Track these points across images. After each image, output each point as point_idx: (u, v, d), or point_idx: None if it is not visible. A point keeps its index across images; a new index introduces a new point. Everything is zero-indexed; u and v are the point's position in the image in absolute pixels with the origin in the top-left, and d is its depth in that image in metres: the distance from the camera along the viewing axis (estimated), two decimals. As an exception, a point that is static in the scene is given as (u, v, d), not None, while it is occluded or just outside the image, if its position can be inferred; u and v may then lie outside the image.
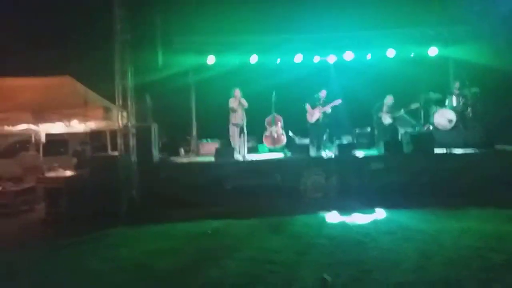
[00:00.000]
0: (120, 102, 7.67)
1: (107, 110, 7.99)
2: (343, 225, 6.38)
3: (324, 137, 10.14)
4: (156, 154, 8.22)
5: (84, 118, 7.88)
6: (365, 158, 8.71)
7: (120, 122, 7.68)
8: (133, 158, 7.60)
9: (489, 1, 10.05)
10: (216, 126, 10.29)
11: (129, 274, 4.77)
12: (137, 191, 7.48)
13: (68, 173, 8.06)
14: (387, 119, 10.24)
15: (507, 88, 9.84)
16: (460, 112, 9.98)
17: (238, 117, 9.22)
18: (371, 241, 5.52)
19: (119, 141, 7.58)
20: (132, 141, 7.64)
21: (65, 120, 8.51)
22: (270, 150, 10.39)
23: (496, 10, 9.86)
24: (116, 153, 7.47)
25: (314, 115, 9.77)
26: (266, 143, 10.52)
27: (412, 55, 10.98)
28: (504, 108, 9.79)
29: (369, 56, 11.07)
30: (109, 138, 8.76)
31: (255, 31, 9.80)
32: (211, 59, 10.31)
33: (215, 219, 6.80)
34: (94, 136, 9.17)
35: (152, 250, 5.55)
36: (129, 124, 7.60)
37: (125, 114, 7.69)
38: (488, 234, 5.63)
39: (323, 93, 9.88)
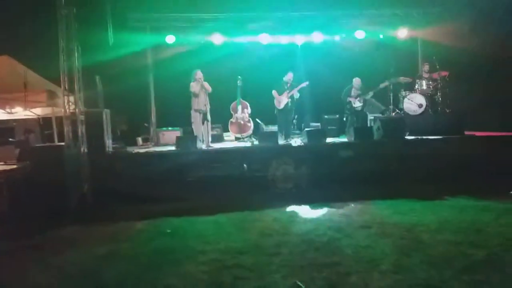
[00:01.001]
0: (66, 85, 6.82)
1: (51, 94, 7.17)
2: (314, 219, 5.93)
3: (293, 124, 9.71)
4: (109, 143, 7.44)
5: (25, 103, 6.99)
6: (335, 145, 8.35)
7: (66, 107, 6.84)
8: (83, 148, 6.81)
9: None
10: (177, 112, 9.58)
11: (76, 284, 4.12)
12: (88, 186, 6.71)
13: (10, 166, 7.14)
14: (356, 103, 9.92)
15: (475, 72, 9.78)
16: (429, 97, 9.79)
17: (201, 102, 8.51)
18: (345, 238, 5.09)
19: (66, 129, 6.78)
20: (81, 129, 6.84)
21: (6, 106, 7.60)
22: (237, 138, 9.83)
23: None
24: (62, 143, 6.64)
25: (282, 101, 9.32)
26: (232, 131, 9.95)
27: (381, 37, 10.66)
28: (472, 92, 9.73)
29: (337, 38, 10.68)
30: (55, 126, 7.88)
31: (219, 8, 9.08)
32: (170, 38, 9.53)
33: (175, 217, 6.16)
34: (41, 123, 8.23)
35: (103, 254, 4.87)
36: (77, 110, 6.77)
37: (72, 98, 6.86)
38: (465, 226, 5.35)
39: (289, 76, 9.44)
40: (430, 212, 5.99)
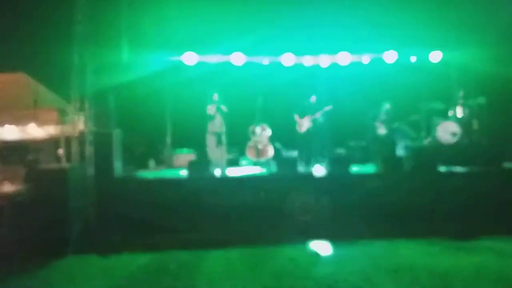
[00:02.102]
0: (77, 104, 6.53)
1: (63, 113, 6.91)
2: (335, 261, 5.31)
3: (315, 150, 9.16)
4: (119, 166, 7.06)
5: (35, 121, 6.74)
6: (361, 175, 7.72)
7: (76, 127, 6.53)
8: (90, 171, 6.43)
9: (493, 7, 9.28)
10: (194, 134, 9.19)
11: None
12: (92, 211, 6.30)
13: (16, 187, 6.84)
14: (382, 130, 9.33)
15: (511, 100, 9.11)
16: (464, 125, 9.11)
17: (216, 125, 8.14)
18: (368, 285, 4.48)
19: (74, 150, 6.44)
20: (89, 150, 6.49)
21: (18, 123, 7.40)
22: (254, 163, 9.33)
23: (500, 16, 9.13)
24: (67, 165, 6.30)
25: (303, 125, 8.84)
26: (250, 155, 9.44)
27: (413, 61, 10.07)
28: (510, 121, 9.02)
29: (365, 59, 10.15)
30: (64, 146, 7.59)
31: (240, 27, 8.74)
32: (189, 57, 9.21)
33: (183, 250, 5.68)
34: (50, 143, 7.96)
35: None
36: (86, 130, 6.44)
37: (82, 118, 6.55)
38: (507, 275, 4.65)
39: (313, 99, 8.99)
40: (465, 255, 5.35)
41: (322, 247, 5.84)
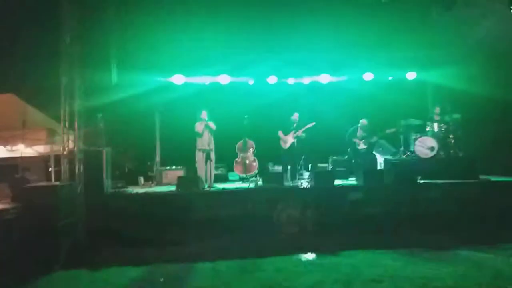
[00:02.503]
0: (67, 123, 6.67)
1: (52, 132, 7.04)
2: (320, 270, 5.48)
3: (299, 165, 9.41)
4: (108, 183, 7.18)
5: (23, 141, 6.84)
6: (344, 188, 7.96)
7: (65, 146, 6.65)
8: (80, 188, 6.54)
9: (462, 27, 9.78)
10: (182, 151, 9.36)
11: None
12: (82, 227, 6.39)
13: (3, 205, 6.88)
14: (361, 145, 9.64)
15: (486, 114, 9.52)
16: (441, 139, 9.47)
17: (204, 142, 8.35)
18: (355, 294, 4.67)
19: (63, 168, 6.55)
20: (79, 168, 6.60)
21: (7, 143, 7.47)
22: (241, 178, 9.52)
23: (469, 35, 9.62)
24: (57, 183, 6.40)
25: (287, 141, 9.10)
26: (237, 171, 9.66)
27: (390, 79, 10.51)
28: (484, 136, 9.42)
29: (345, 79, 10.56)
30: (53, 164, 7.68)
31: (227, 49, 9.04)
32: (177, 79, 9.47)
33: (172, 263, 5.79)
34: (40, 162, 8.05)
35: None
36: (75, 149, 6.57)
37: (71, 136, 6.69)
38: (486, 282, 4.87)
39: (295, 116, 9.26)
40: (445, 265, 5.53)
41: (307, 258, 6.01)
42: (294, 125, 9.22)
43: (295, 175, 9.11)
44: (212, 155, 8.42)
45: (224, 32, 8.56)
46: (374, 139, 9.62)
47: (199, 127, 8.44)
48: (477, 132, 9.50)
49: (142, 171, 9.61)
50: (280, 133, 9.26)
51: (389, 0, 7.87)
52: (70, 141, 6.74)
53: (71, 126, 6.71)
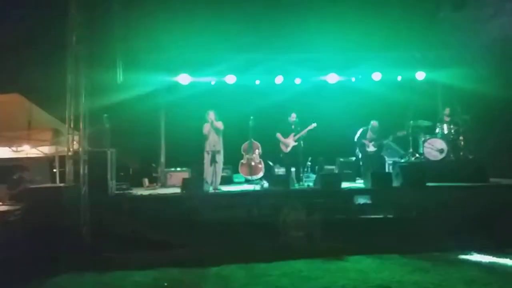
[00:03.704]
0: (72, 123, 6.63)
1: (57, 133, 7.01)
2: (327, 276, 5.38)
3: (306, 167, 9.28)
4: (113, 184, 7.13)
5: (28, 141, 6.82)
6: (351, 191, 7.85)
7: (70, 146, 6.61)
8: (84, 189, 6.50)
9: (471, 28, 9.64)
10: (188, 152, 9.31)
11: None
12: (86, 229, 6.34)
13: (7, 206, 6.86)
14: (370, 147, 9.50)
15: (496, 116, 9.37)
16: (451, 141, 9.32)
17: (210, 143, 8.26)
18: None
19: (68, 169, 6.51)
20: (84, 169, 6.56)
21: (12, 144, 7.45)
22: (247, 180, 9.43)
23: (477, 37, 9.47)
24: (61, 184, 6.36)
25: (288, 144, 8.90)
26: (242, 173, 9.56)
27: (399, 79, 10.37)
28: (495, 138, 9.26)
29: (353, 79, 10.44)
30: (58, 165, 7.66)
31: (233, 49, 8.97)
32: (183, 79, 9.41)
33: (177, 267, 5.72)
34: (45, 163, 8.03)
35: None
36: (80, 150, 6.53)
37: (76, 137, 6.64)
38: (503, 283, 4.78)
39: (293, 117, 9.03)
40: (454, 270, 5.42)
41: (314, 263, 5.91)
42: (293, 126, 9.01)
43: (300, 177, 8.98)
44: (218, 157, 8.28)
45: (230, 31, 8.49)
46: (385, 141, 9.46)
47: (205, 128, 8.35)
48: (488, 134, 9.33)
49: (147, 172, 9.56)
50: (279, 136, 9.00)
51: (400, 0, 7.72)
52: (75, 142, 6.69)
53: (77, 127, 6.67)
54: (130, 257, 6.12)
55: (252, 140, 9.54)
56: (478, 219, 7.08)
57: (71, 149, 6.61)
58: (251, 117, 9.26)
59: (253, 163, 9.42)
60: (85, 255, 6.10)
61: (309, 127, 8.89)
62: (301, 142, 8.88)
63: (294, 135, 8.90)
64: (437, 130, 9.53)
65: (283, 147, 8.99)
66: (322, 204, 7.29)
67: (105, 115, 7.30)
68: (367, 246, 6.42)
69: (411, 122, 9.52)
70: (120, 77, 7.60)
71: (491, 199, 7.45)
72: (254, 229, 6.85)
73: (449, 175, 8.43)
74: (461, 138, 9.36)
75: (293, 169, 8.95)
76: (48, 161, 8.39)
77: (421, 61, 10.18)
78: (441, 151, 9.12)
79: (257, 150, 9.56)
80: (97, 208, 6.51)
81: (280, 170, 9.50)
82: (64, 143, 6.86)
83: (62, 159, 7.32)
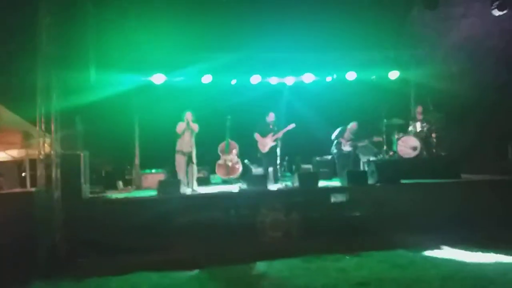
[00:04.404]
0: (43, 126, 6.40)
1: (27, 135, 6.74)
2: (307, 275, 5.40)
3: (283, 166, 9.30)
4: (86, 188, 6.93)
5: (-3, 145, 6.55)
6: (328, 189, 7.91)
7: (41, 149, 6.38)
8: (57, 194, 6.29)
9: (442, 28, 9.89)
10: (163, 154, 9.14)
11: None
12: (60, 236, 6.14)
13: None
14: (346, 147, 9.64)
15: (467, 113, 9.66)
16: (424, 139, 9.54)
17: (185, 144, 8.14)
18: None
19: (39, 173, 6.28)
20: (56, 173, 6.35)
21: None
22: (224, 181, 9.37)
23: (449, 36, 9.72)
24: (32, 189, 6.13)
25: (266, 144, 8.90)
26: (219, 173, 9.50)
27: (373, 78, 10.55)
28: (466, 135, 9.54)
29: (329, 79, 10.55)
30: (28, 169, 7.38)
31: (208, 48, 8.88)
32: (157, 78, 9.25)
33: (155, 271, 5.59)
34: (14, 166, 7.72)
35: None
36: (52, 153, 6.31)
37: (48, 140, 6.42)
38: (471, 283, 4.87)
39: (271, 117, 9.06)
40: (430, 266, 5.53)
41: (293, 263, 5.90)
42: (271, 126, 9.01)
43: (278, 177, 8.99)
44: (194, 158, 8.20)
45: (205, 31, 8.40)
46: (362, 143, 9.61)
47: (180, 127, 8.20)
48: (459, 131, 9.61)
49: (120, 174, 9.34)
50: (257, 136, 8.99)
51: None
52: (46, 145, 6.46)
53: (48, 129, 6.43)
54: (106, 263, 5.96)
55: (229, 140, 9.49)
56: (451, 215, 7.30)
57: (42, 152, 6.36)
58: (228, 117, 9.22)
59: (230, 164, 9.38)
60: (59, 262, 5.91)
61: (288, 127, 8.93)
62: (279, 141, 8.89)
63: (273, 135, 8.90)
64: (410, 128, 9.74)
65: (261, 147, 8.97)
66: (300, 203, 7.31)
67: (78, 116, 7.08)
68: (346, 244, 6.48)
69: (385, 120, 9.69)
70: (93, 77, 7.39)
71: (463, 195, 7.67)
72: (232, 230, 6.82)
73: (423, 172, 8.65)
74: (433, 135, 9.59)
75: (270, 169, 8.95)
76: (15, 164, 8.08)
77: (394, 60, 10.41)
78: (414, 148, 9.33)
79: (234, 150, 9.53)
80: (70, 213, 6.30)
81: (257, 170, 9.48)
82: (35, 146, 6.61)
83: (32, 162, 7.07)
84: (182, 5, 7.75)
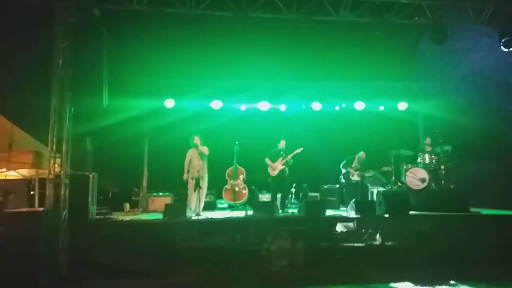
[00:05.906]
0: (54, 146, 6.50)
1: (38, 155, 6.84)
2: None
3: (290, 193, 9.27)
4: (93, 209, 6.96)
5: (9, 164, 6.63)
6: (335, 219, 7.83)
7: (52, 170, 6.47)
8: (64, 214, 6.32)
9: (451, 60, 10.00)
10: (171, 177, 9.17)
11: None
12: (64, 256, 6.13)
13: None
14: (355, 176, 9.60)
15: (476, 146, 9.60)
16: (432, 171, 9.46)
17: (194, 168, 8.19)
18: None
19: (48, 192, 6.34)
20: (64, 193, 6.40)
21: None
22: (230, 206, 9.34)
23: (457, 69, 9.82)
24: (41, 209, 6.18)
25: (276, 168, 8.93)
26: (226, 198, 9.49)
27: (381, 109, 10.61)
28: (475, 168, 9.46)
29: (337, 108, 10.64)
30: (37, 188, 7.45)
31: (219, 75, 9.06)
32: (169, 103, 9.42)
33: (156, 295, 5.56)
34: (23, 186, 7.80)
35: None
36: (62, 173, 6.39)
37: (58, 160, 6.51)
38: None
39: (282, 144, 9.11)
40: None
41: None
42: (281, 152, 9.08)
43: (285, 204, 8.95)
44: (202, 183, 8.16)
45: (215, 58, 8.60)
46: (369, 173, 9.58)
47: (189, 153, 8.31)
48: (468, 164, 9.55)
49: (127, 196, 9.37)
50: (268, 161, 9.06)
51: (382, 32, 7.97)
52: (56, 165, 6.55)
53: (59, 150, 6.54)
54: (109, 286, 5.92)
55: (237, 165, 9.52)
56: (458, 249, 7.16)
57: (52, 172, 6.44)
58: (236, 143, 9.27)
59: (237, 189, 9.38)
60: (63, 283, 5.88)
61: (296, 151, 8.99)
62: (287, 168, 8.92)
63: (282, 159, 8.96)
64: (418, 160, 9.66)
65: (270, 171, 9.00)
66: (307, 232, 7.23)
67: (88, 138, 7.19)
68: (351, 274, 6.41)
69: (393, 151, 9.65)
70: (105, 101, 7.54)
71: (471, 228, 7.54)
72: (237, 257, 6.74)
73: (431, 204, 8.55)
74: (442, 167, 9.48)
75: (279, 195, 8.94)
76: (25, 182, 8.16)
77: (403, 92, 10.49)
78: (423, 180, 9.22)
79: (241, 176, 9.54)
80: (76, 234, 6.32)
81: (264, 197, 9.45)
82: (45, 165, 6.70)
83: (41, 181, 7.14)
84: (193, 34, 7.97)
